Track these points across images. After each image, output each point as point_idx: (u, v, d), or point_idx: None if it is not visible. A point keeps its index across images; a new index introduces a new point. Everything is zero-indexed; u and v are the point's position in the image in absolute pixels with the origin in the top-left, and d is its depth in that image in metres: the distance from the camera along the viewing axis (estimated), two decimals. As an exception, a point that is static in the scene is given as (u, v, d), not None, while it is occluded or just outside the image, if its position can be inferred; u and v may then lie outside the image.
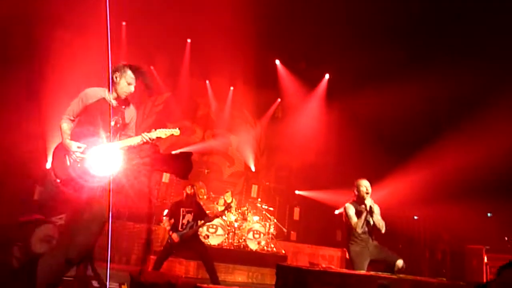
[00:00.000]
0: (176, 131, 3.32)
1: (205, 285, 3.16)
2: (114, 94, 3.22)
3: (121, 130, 3.26)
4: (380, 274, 3.39)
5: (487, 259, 7.68)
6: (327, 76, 11.03)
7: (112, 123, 3.12)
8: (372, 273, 3.45)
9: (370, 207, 4.62)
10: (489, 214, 8.27)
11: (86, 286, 3.20)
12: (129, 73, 3.22)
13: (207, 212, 6.25)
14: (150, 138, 3.15)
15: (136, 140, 3.16)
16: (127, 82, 3.20)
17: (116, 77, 3.19)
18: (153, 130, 3.24)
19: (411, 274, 3.88)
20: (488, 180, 7.97)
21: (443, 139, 8.69)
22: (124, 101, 3.29)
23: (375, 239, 4.77)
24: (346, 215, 4.72)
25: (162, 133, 3.25)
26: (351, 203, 4.79)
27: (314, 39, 8.80)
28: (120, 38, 9.38)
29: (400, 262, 4.51)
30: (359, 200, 4.75)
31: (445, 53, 8.29)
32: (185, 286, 2.84)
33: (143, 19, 8.77)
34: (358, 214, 4.68)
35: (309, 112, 11.24)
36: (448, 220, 8.83)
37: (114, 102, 3.20)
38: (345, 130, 10.88)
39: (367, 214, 4.63)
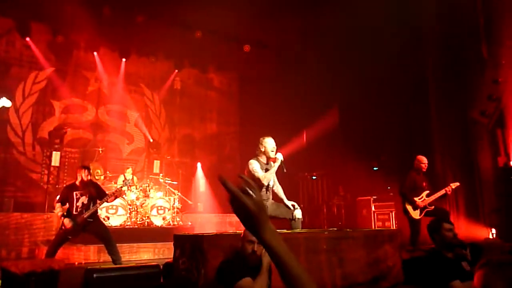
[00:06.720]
0: (6, 102, 2.94)
1: (97, 267, 2.97)
2: None
3: None
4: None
5: (374, 208, 8.59)
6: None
7: None
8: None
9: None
10: (375, 168, 9.13)
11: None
12: None
13: (107, 192, 5.82)
14: None
15: None
16: None
17: None
18: None
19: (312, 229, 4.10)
20: (374, 139, 8.86)
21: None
22: None
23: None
24: (251, 170, 4.52)
25: None
26: (255, 159, 4.65)
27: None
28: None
29: (298, 212, 4.66)
30: (264, 157, 4.68)
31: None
32: (70, 271, 2.62)
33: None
34: (264, 169, 4.59)
35: (208, 82, 11.08)
36: (341, 177, 9.66)
37: None
38: (246, 99, 11.01)
39: (282, 166, 4.56)
